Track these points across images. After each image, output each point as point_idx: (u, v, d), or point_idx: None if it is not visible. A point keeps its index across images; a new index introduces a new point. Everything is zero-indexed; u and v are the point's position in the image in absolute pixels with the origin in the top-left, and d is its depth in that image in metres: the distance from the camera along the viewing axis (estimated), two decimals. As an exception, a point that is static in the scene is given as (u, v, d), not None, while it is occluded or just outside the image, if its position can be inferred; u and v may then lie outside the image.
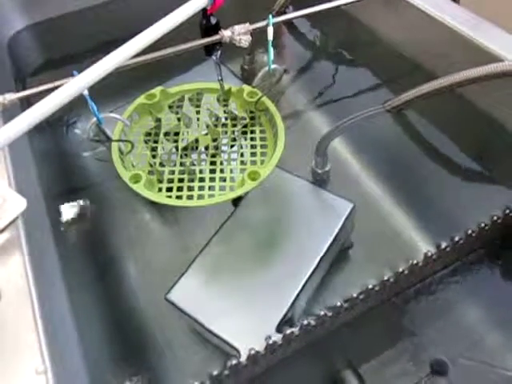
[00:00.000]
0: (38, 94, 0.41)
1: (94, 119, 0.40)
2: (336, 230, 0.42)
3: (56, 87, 0.34)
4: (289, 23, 0.71)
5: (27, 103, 0.34)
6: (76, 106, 0.36)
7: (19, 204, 0.33)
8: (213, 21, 0.41)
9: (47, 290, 0.32)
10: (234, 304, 0.39)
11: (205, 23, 0.41)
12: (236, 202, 0.45)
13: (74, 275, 0.43)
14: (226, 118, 0.46)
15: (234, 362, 0.30)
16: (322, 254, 0.41)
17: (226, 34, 0.41)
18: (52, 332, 0.29)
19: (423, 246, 0.47)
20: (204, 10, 0.40)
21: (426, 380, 0.41)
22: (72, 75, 0.34)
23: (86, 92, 0.36)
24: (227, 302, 0.39)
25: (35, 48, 0.69)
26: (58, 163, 0.57)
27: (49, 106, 0.32)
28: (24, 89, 0.42)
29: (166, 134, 0.45)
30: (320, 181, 0.50)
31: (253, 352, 0.31)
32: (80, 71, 0.34)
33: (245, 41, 0.41)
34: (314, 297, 0.44)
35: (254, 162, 0.42)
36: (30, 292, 0.30)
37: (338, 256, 0.46)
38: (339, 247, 0.46)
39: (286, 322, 0.38)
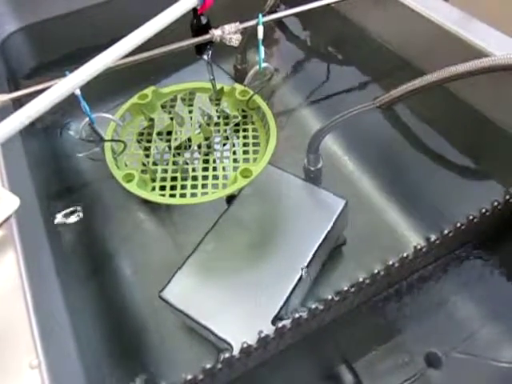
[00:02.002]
0: (31, 94, 0.41)
1: (87, 119, 0.40)
2: (329, 227, 0.43)
3: (48, 88, 0.34)
4: (280, 22, 0.71)
5: (20, 104, 0.34)
6: (69, 106, 0.36)
7: (12, 203, 0.33)
8: (203, 20, 0.41)
9: (41, 286, 0.32)
10: (229, 301, 0.39)
11: (195, 23, 0.41)
12: (229, 199, 0.46)
13: (68, 273, 0.43)
14: (219, 117, 0.47)
15: (227, 355, 0.30)
16: (315, 251, 0.41)
17: (216, 33, 0.41)
18: (46, 327, 0.29)
19: (416, 240, 0.48)
20: (194, 9, 0.40)
21: (419, 373, 0.41)
22: (64, 76, 0.35)
23: (78, 92, 0.36)
24: (221, 299, 0.39)
25: (28, 50, 0.69)
26: (51, 163, 0.58)
27: (41, 105, 0.32)
28: (17, 90, 0.42)
29: (159, 133, 0.45)
30: (313, 178, 0.50)
31: (245, 345, 0.31)
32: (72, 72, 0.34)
33: (235, 40, 0.41)
34: (309, 293, 0.44)
35: (246, 160, 0.43)
36: (24, 289, 0.30)
37: (332, 252, 0.47)
38: (333, 243, 0.46)
39: (280, 318, 0.38)
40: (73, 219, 0.51)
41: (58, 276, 0.37)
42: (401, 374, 0.41)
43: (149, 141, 0.45)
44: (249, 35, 0.48)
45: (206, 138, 0.45)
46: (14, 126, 0.32)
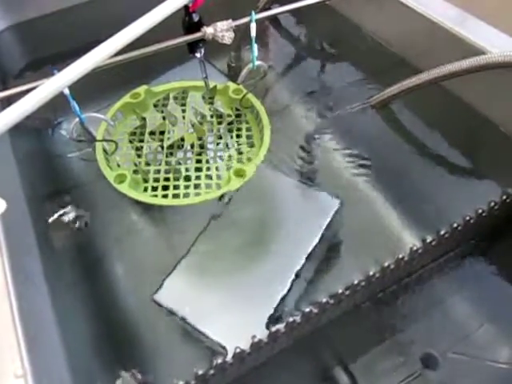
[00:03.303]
0: (19, 94, 0.40)
1: (77, 119, 0.39)
2: (323, 227, 0.42)
3: (37, 87, 0.33)
4: (273, 19, 0.71)
5: (8, 103, 0.33)
6: (61, 106, 0.36)
7: (-1, 206, 0.32)
8: (195, 18, 0.40)
9: (28, 291, 0.32)
10: (222, 303, 0.39)
11: (187, 20, 0.40)
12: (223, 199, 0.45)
13: (59, 276, 0.42)
14: (212, 116, 0.46)
15: (220, 360, 0.30)
16: (309, 251, 0.41)
17: (208, 31, 0.40)
18: (32, 334, 0.28)
19: (411, 241, 0.47)
20: (186, 7, 0.39)
21: (416, 375, 0.41)
22: (52, 74, 0.34)
23: (66, 91, 0.35)
24: (215, 301, 0.39)
25: (17, 49, 0.68)
26: (42, 164, 0.57)
27: (28, 104, 0.31)
28: (5, 90, 0.41)
29: (151, 133, 0.45)
30: (307, 178, 0.50)
31: (238, 351, 0.31)
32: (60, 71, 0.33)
33: (228, 37, 0.41)
34: (303, 294, 0.43)
35: (240, 160, 0.42)
36: (9, 293, 0.29)
37: (327, 253, 0.46)
38: (327, 244, 0.45)
39: (275, 319, 0.38)
40: (63, 221, 0.50)
41: (46, 280, 0.36)
42: (397, 375, 0.41)
43: (141, 140, 0.44)
44: (242, 33, 0.47)
45: (199, 138, 0.44)
46: (1, 126, 0.31)
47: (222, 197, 0.44)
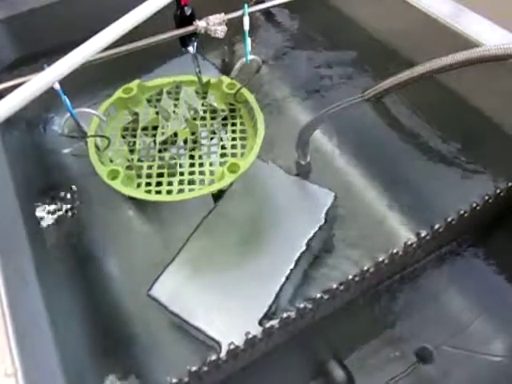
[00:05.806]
0: (9, 88, 0.40)
1: (69, 114, 0.39)
2: (318, 222, 0.42)
3: (26, 82, 0.33)
4: (267, 13, 0.70)
5: (-1, 99, 0.33)
6: (53, 101, 0.35)
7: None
8: (187, 11, 0.40)
9: (19, 289, 0.31)
10: (217, 298, 0.39)
11: (179, 14, 0.40)
12: (217, 194, 0.45)
13: (50, 273, 0.42)
14: (205, 111, 0.46)
15: (213, 357, 0.30)
16: (304, 247, 0.41)
17: (200, 24, 0.40)
18: (23, 332, 0.28)
19: (406, 235, 0.47)
20: (178, 0, 0.39)
21: (411, 368, 0.41)
22: (43, 69, 0.33)
23: (57, 86, 0.35)
24: (210, 297, 0.39)
25: (7, 43, 0.67)
26: (33, 160, 0.56)
27: (17, 99, 0.31)
28: (-4, 84, 0.41)
29: (144, 128, 0.44)
30: (302, 172, 0.50)
31: (232, 347, 0.30)
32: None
33: (220, 31, 0.40)
34: (299, 289, 0.43)
35: (234, 155, 0.42)
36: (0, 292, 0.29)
37: (321, 247, 0.46)
38: (322, 239, 0.45)
39: (270, 315, 0.38)
40: (54, 217, 0.50)
41: (37, 277, 0.36)
42: (392, 369, 0.41)
43: (134, 136, 0.44)
44: (236, 26, 0.47)
45: (193, 133, 0.44)
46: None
47: (216, 192, 0.44)
